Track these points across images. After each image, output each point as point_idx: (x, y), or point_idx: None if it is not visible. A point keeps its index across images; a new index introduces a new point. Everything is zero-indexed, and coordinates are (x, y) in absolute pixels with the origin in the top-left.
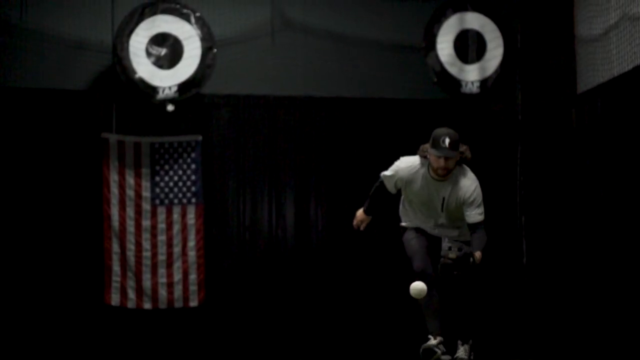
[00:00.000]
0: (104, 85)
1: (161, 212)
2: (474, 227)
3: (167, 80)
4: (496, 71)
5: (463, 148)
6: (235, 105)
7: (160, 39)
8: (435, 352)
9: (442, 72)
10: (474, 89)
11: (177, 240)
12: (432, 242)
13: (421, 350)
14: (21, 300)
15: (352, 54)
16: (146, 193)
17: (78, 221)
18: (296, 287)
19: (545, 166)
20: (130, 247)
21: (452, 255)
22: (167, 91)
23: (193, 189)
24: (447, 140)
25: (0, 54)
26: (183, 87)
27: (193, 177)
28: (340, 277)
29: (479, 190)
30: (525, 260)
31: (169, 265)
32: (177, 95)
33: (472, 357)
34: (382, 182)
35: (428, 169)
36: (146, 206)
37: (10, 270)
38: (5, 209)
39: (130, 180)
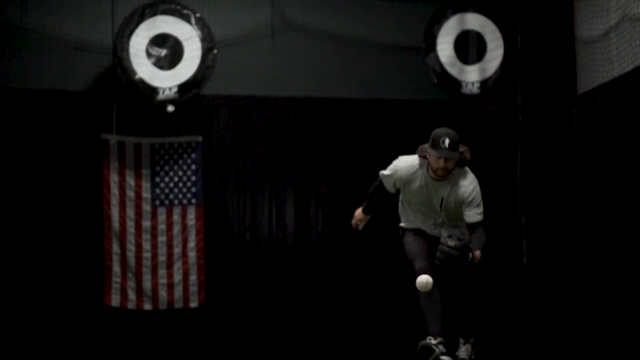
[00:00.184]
0: (104, 86)
1: (161, 213)
2: (473, 226)
3: (167, 81)
4: (496, 72)
5: (463, 149)
6: (236, 106)
7: (160, 40)
8: (434, 351)
9: (443, 73)
10: (474, 89)
11: (177, 241)
12: (432, 244)
13: (419, 347)
14: (22, 300)
15: (352, 54)
16: (146, 194)
17: (78, 222)
18: (296, 287)
19: (546, 167)
20: (131, 247)
21: (451, 243)
22: (167, 92)
23: (193, 189)
24: (447, 141)
25: (1, 54)
26: (183, 87)
27: (193, 178)
28: (340, 277)
29: (478, 190)
30: (526, 261)
31: (169, 266)
32: (177, 96)
33: (473, 357)
34: (380, 182)
35: (427, 168)
36: (146, 207)
37: (10, 271)
38: (5, 209)
39: (130, 181)
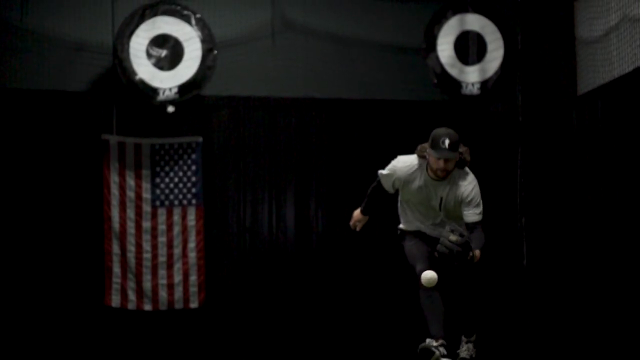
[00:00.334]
0: (105, 86)
1: (161, 213)
2: (472, 226)
3: (167, 82)
4: (496, 73)
5: (463, 149)
6: (236, 106)
7: (160, 41)
8: (434, 353)
9: (443, 73)
10: (475, 90)
11: (177, 242)
12: (432, 246)
13: (419, 349)
14: (22, 301)
15: (352, 55)
16: (146, 194)
17: (78, 222)
18: (296, 288)
19: (546, 168)
20: (131, 248)
21: (453, 237)
22: (167, 92)
23: (193, 190)
24: (447, 141)
25: (1, 55)
26: (183, 88)
27: (193, 179)
28: (341, 278)
29: (477, 189)
30: (526, 262)
31: (170, 266)
32: (177, 96)
33: (474, 356)
34: (379, 182)
35: (426, 168)
36: (146, 207)
37: (11, 272)
38: (5, 210)
39: (130, 181)
